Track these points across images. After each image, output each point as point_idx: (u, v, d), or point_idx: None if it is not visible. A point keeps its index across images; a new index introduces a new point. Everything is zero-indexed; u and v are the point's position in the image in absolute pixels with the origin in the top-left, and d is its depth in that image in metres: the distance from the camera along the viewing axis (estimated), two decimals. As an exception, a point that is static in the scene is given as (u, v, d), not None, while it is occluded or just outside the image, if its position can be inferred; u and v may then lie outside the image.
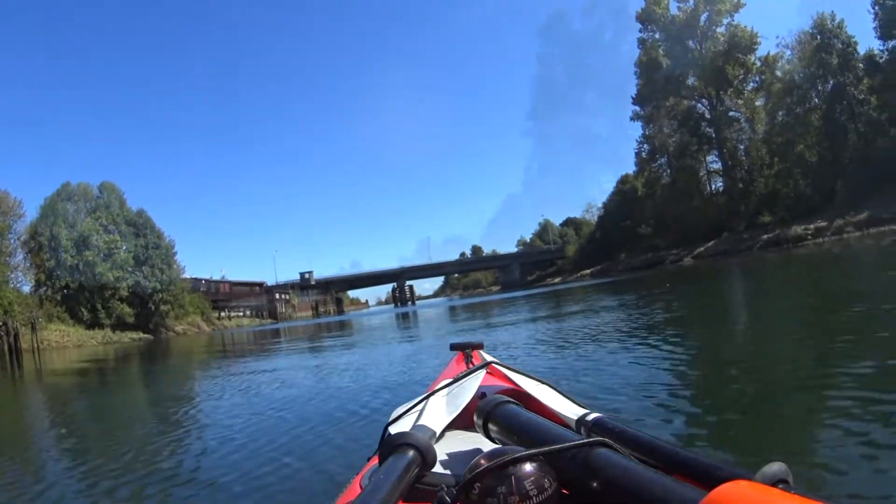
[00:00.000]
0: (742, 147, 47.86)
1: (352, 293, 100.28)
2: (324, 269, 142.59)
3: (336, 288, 74.82)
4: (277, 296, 62.30)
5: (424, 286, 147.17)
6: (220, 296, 54.08)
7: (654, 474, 0.60)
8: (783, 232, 32.60)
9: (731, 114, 48.50)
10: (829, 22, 34.38)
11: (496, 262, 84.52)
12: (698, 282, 16.64)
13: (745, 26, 46.74)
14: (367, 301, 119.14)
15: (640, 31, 56.96)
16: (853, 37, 33.79)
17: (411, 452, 0.71)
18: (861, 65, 33.41)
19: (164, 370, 12.81)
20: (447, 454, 0.91)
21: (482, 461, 0.63)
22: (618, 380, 3.74)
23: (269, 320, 55.49)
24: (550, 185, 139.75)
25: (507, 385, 1.23)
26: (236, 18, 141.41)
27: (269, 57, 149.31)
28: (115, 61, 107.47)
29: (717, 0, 47.95)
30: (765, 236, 34.92)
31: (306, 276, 70.38)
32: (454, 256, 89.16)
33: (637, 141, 59.41)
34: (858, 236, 26.51)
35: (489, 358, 1.48)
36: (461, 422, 1.00)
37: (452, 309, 21.36)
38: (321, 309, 68.24)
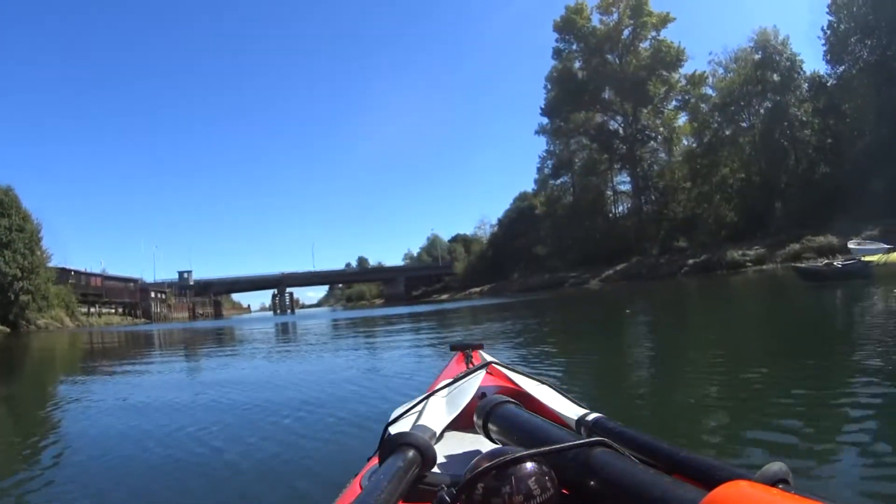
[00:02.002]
0: (657, 167, 45.10)
1: (235, 297, 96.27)
2: (215, 270, 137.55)
3: (215, 290, 71.64)
4: (153, 294, 58.96)
5: (308, 294, 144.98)
6: (90, 290, 48.62)
7: (653, 474, 0.60)
8: (715, 256, 28.57)
9: (647, 132, 45.79)
10: (772, 38, 31.70)
11: (381, 275, 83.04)
12: (661, 303, 14.59)
13: (672, 42, 44.38)
14: (248, 306, 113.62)
15: (557, 41, 53.25)
16: (798, 55, 31.45)
17: (411, 452, 0.70)
18: (805, 85, 30.89)
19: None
20: (447, 454, 0.93)
21: (482, 461, 0.63)
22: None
23: (143, 320, 51.70)
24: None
25: (506, 385, 1.22)
26: None
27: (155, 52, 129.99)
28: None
29: (644, 14, 45.49)
30: (691, 261, 30.92)
31: (185, 275, 68.19)
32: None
33: (540, 156, 55.67)
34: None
35: (489, 358, 1.46)
36: (461, 422, 0.99)
37: (335, 324, 18.60)
38: (199, 311, 65.27)
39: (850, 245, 10.65)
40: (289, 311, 71.64)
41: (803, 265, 11.71)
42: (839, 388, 2.85)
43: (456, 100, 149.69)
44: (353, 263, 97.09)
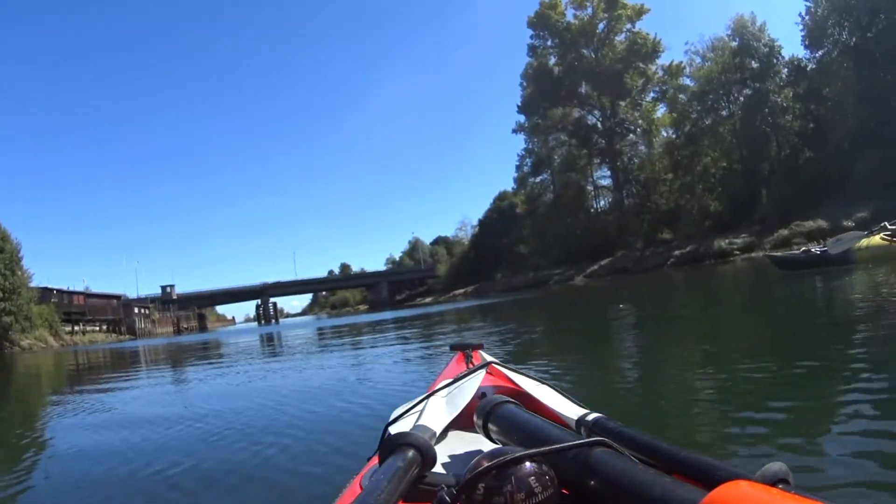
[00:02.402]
0: (637, 160, 44.61)
1: (220, 309, 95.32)
2: (198, 283, 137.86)
3: (198, 303, 70.86)
4: (137, 310, 58.41)
5: (293, 303, 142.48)
6: (73, 308, 48.36)
7: (653, 474, 0.60)
8: (702, 247, 27.96)
9: (626, 125, 45.32)
10: (749, 24, 31.28)
11: (364, 281, 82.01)
12: (649, 297, 13.92)
13: (648, 34, 44.02)
14: (233, 318, 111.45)
15: (532, 38, 52.62)
16: (777, 40, 31.06)
17: (411, 452, 0.70)
18: (785, 70, 30.51)
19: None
20: (447, 454, 0.93)
21: (482, 461, 0.63)
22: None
23: (128, 336, 50.84)
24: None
25: (507, 385, 1.22)
26: None
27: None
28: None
29: (618, 6, 45.07)
30: (678, 252, 30.30)
31: (168, 289, 67.44)
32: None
33: (518, 154, 54.90)
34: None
35: (489, 358, 1.46)
36: (461, 422, 0.99)
37: (319, 333, 17.78)
38: (183, 325, 64.44)
39: (829, 243, 9.95)
40: (273, 321, 70.94)
41: (779, 254, 11.26)
42: (838, 384, 2.77)
43: (434, 104, 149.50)
44: (336, 270, 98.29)
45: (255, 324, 73.96)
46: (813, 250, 9.70)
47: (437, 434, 0.89)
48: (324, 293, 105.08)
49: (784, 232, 21.82)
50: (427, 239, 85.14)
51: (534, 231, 51.28)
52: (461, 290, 52.70)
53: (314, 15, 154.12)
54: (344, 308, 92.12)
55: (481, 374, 1.09)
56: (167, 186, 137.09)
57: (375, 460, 0.87)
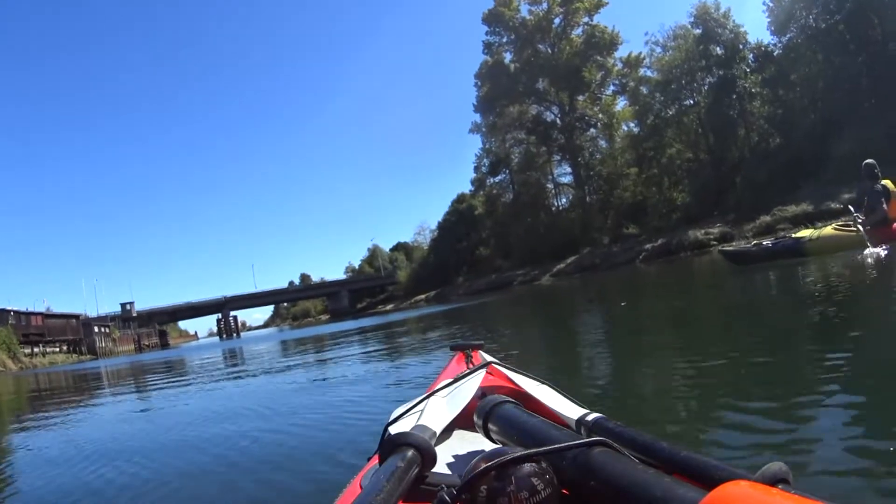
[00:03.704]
0: (599, 155, 43.55)
1: (182, 324, 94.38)
2: (159, 299, 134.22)
3: (159, 320, 69.96)
4: (97, 329, 56.37)
5: (255, 316, 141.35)
6: (31, 329, 46.69)
7: (653, 474, 0.60)
8: (675, 239, 26.69)
9: (586, 120, 44.18)
10: (713, 11, 30.52)
11: (324, 290, 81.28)
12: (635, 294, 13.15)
13: (606, 26, 43.09)
14: (196, 333, 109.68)
15: (487, 34, 51.17)
16: (742, 26, 30.38)
17: (411, 452, 0.71)
18: (751, 55, 29.80)
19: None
20: (447, 454, 0.93)
21: (482, 461, 0.63)
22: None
23: (89, 356, 49.49)
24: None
25: (507, 385, 1.21)
26: None
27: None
28: None
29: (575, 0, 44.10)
30: (649, 246, 28.98)
31: (128, 307, 66.31)
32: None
33: (476, 155, 53.40)
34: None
35: (489, 358, 1.45)
36: (461, 422, 1.00)
37: (284, 345, 17.14)
38: (144, 343, 63.26)
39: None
40: (234, 334, 69.69)
41: (730, 248, 11.03)
42: (844, 385, 2.56)
43: (390, 109, 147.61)
44: (297, 280, 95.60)
45: (217, 338, 72.61)
46: (765, 243, 9.36)
47: (437, 434, 0.88)
48: (285, 304, 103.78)
49: (767, 218, 20.74)
50: (386, 245, 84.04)
51: (494, 232, 50.05)
52: (422, 296, 51.04)
53: (265, 28, 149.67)
54: (305, 319, 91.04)
55: (481, 374, 1.08)
56: (123, 201, 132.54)
57: (375, 460, 0.88)
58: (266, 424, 3.70)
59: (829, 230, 8.32)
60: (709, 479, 0.60)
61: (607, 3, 43.45)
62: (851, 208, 8.04)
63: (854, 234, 7.64)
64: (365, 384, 5.07)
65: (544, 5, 47.06)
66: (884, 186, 7.49)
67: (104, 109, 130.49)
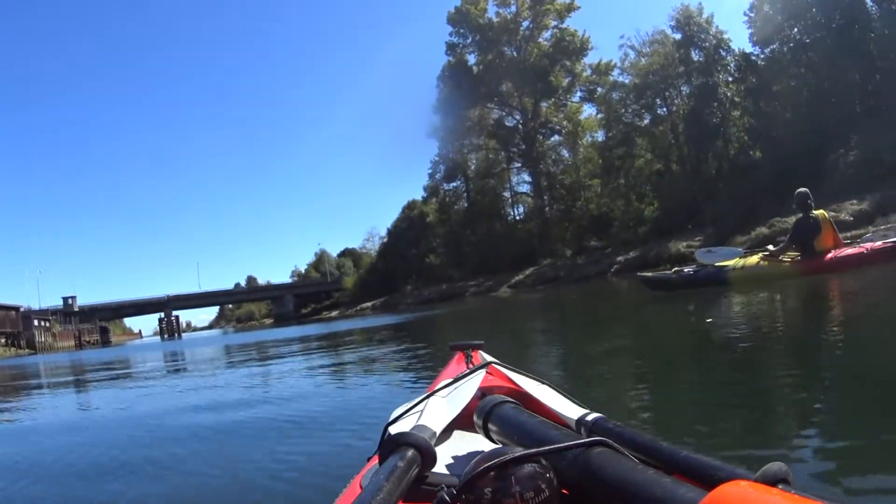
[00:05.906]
0: (562, 165, 41.65)
1: (126, 321, 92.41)
2: (103, 294, 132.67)
3: (101, 316, 67.94)
4: (37, 322, 56.14)
5: (200, 317, 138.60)
6: None
7: (653, 474, 0.60)
8: (652, 251, 24.64)
9: (550, 126, 42.30)
10: (696, 16, 29.06)
11: (269, 294, 79.68)
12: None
13: (576, 30, 41.51)
14: (140, 331, 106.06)
15: (451, 35, 48.71)
16: (725, 33, 29.01)
17: (411, 452, 0.71)
18: (733, 64, 28.51)
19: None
20: (447, 454, 0.93)
21: (482, 461, 0.63)
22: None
23: (28, 351, 49.57)
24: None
25: (507, 385, 1.21)
26: None
27: None
28: None
29: (545, 1, 42.43)
30: (621, 258, 26.83)
31: (69, 301, 64.19)
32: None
33: (431, 161, 50.22)
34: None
35: (489, 358, 1.43)
36: (461, 422, 1.00)
37: (227, 350, 15.16)
38: (85, 339, 61.79)
39: (699, 254, 9.57)
40: (176, 335, 67.58)
41: (650, 273, 10.71)
42: (844, 385, 2.67)
43: (347, 111, 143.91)
44: (243, 282, 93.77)
45: (158, 338, 69.98)
46: (686, 271, 9.13)
47: (437, 434, 0.87)
48: (230, 306, 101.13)
49: (764, 230, 19.00)
50: (334, 251, 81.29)
51: (446, 241, 47.07)
52: (369, 304, 47.42)
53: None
54: (249, 322, 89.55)
55: (481, 373, 1.08)
56: (68, 190, 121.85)
57: (375, 460, 0.88)
58: (266, 424, 3.64)
59: (754, 259, 8.06)
60: (709, 480, 0.59)
61: (579, 7, 42.00)
62: (770, 247, 8.14)
63: (784, 264, 7.63)
64: (360, 387, 5.00)
65: (513, 7, 45.22)
66: (814, 219, 7.49)
67: (51, 89, 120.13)
